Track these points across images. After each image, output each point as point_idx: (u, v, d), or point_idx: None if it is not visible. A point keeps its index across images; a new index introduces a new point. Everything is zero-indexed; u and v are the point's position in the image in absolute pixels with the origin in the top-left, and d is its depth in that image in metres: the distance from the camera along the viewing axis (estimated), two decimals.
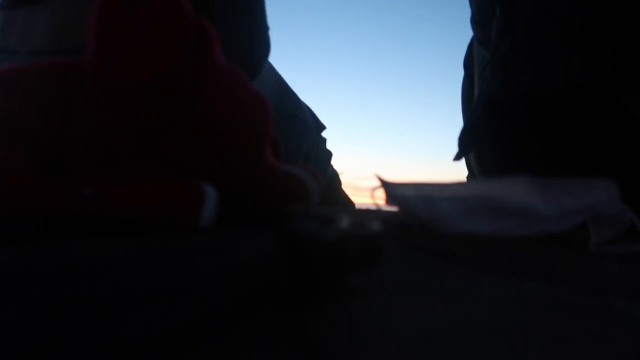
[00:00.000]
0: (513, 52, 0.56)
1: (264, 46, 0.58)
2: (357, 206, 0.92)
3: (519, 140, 0.55)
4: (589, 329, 0.15)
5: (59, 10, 0.39)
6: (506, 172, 0.36)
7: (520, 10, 0.57)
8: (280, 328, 0.13)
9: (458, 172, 0.73)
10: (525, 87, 0.54)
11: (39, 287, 0.11)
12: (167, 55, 0.27)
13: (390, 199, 0.35)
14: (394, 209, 0.36)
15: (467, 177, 0.74)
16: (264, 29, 0.57)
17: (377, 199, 0.37)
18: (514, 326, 0.14)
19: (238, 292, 0.14)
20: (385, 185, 0.35)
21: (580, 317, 0.16)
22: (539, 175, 0.34)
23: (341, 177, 0.94)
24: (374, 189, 0.37)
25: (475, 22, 0.70)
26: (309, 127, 0.82)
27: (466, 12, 0.75)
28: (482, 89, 0.62)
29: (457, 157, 0.60)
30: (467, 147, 0.61)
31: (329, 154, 0.89)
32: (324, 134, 0.88)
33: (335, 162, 0.91)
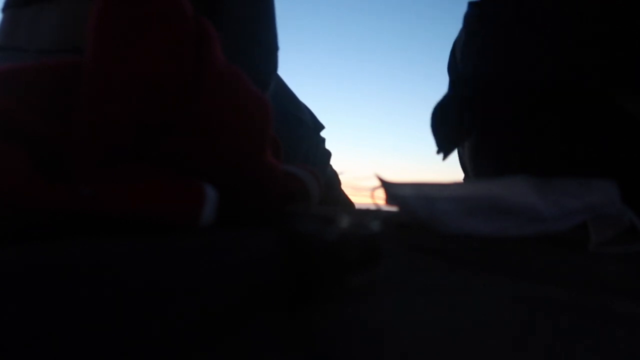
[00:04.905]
0: (491, 48, 0.57)
1: (273, 62, 0.59)
2: (357, 206, 0.92)
3: (511, 142, 0.56)
4: (589, 329, 0.15)
5: (67, 9, 0.39)
6: (502, 173, 0.36)
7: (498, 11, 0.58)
8: (280, 328, 0.13)
9: (457, 172, 0.73)
10: (508, 84, 0.54)
11: (40, 287, 0.11)
12: (167, 55, 0.27)
13: (390, 199, 0.35)
14: (394, 209, 0.36)
15: (464, 179, 0.74)
16: (275, 47, 0.58)
17: (377, 199, 0.37)
18: (513, 326, 0.14)
19: (239, 291, 0.14)
20: (385, 185, 0.35)
21: (580, 317, 0.16)
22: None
23: (341, 177, 0.94)
24: (374, 189, 0.37)
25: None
26: (308, 126, 0.82)
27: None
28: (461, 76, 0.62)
29: (444, 156, 0.61)
30: (445, 144, 0.62)
31: (328, 154, 0.89)
32: (322, 133, 0.88)
33: (334, 162, 0.90)
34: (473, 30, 0.61)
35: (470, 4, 0.63)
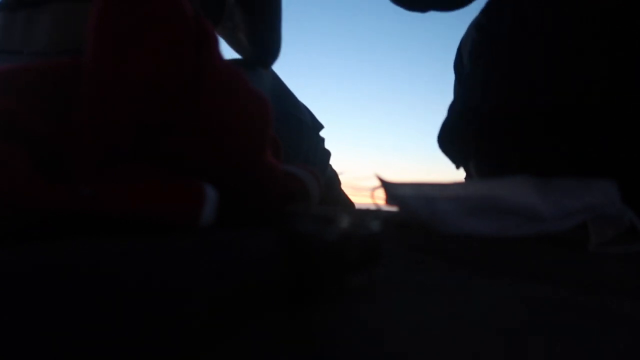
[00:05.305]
0: (495, 67, 0.58)
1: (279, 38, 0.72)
2: (357, 206, 0.92)
3: (511, 142, 0.56)
4: (589, 329, 0.15)
5: (61, 12, 0.39)
6: (502, 173, 0.36)
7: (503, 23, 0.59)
8: (280, 328, 0.13)
9: (457, 172, 0.74)
10: (514, 96, 0.55)
11: (40, 287, 0.11)
12: (167, 55, 0.27)
13: (390, 199, 0.35)
14: (394, 209, 0.36)
15: (465, 178, 0.75)
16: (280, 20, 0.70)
17: (377, 199, 0.37)
18: (513, 326, 0.14)
19: (239, 291, 0.14)
20: (385, 185, 0.35)
21: (580, 317, 0.16)
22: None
23: (341, 177, 0.94)
24: (374, 189, 0.37)
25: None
26: (307, 126, 0.82)
27: (467, 14, 0.75)
28: (465, 98, 0.64)
29: (457, 165, 0.64)
30: (459, 159, 0.65)
31: (327, 153, 0.89)
32: (322, 133, 0.88)
33: (334, 163, 0.91)
34: (478, 54, 0.62)
35: (476, 28, 0.65)
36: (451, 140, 0.64)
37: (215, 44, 0.29)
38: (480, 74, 0.60)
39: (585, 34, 0.49)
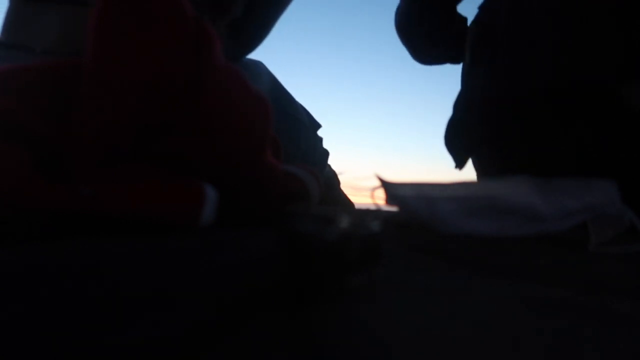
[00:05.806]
0: (496, 55, 0.58)
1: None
2: (357, 206, 0.92)
3: (515, 144, 0.57)
4: (589, 329, 0.15)
5: (76, 13, 0.39)
6: (504, 172, 0.36)
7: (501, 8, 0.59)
8: (280, 328, 0.13)
9: (458, 172, 0.74)
10: (514, 88, 0.56)
11: (39, 287, 0.11)
12: (167, 55, 0.27)
13: (390, 199, 0.35)
14: (394, 209, 0.36)
15: (477, 178, 0.75)
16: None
17: (377, 199, 0.37)
18: (513, 326, 0.14)
19: (239, 291, 0.14)
20: (385, 185, 0.35)
21: (580, 317, 0.16)
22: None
23: (341, 177, 0.94)
24: (374, 189, 0.37)
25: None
26: (305, 126, 0.82)
27: (469, 15, 0.76)
28: (471, 94, 0.65)
29: (460, 168, 0.65)
30: (460, 158, 0.66)
31: (326, 153, 0.89)
32: (321, 133, 0.88)
33: (334, 163, 0.91)
34: (477, 48, 0.63)
35: (475, 23, 0.66)
36: (455, 134, 0.65)
37: (215, 44, 0.29)
38: (480, 66, 0.61)
39: (583, 30, 0.49)
